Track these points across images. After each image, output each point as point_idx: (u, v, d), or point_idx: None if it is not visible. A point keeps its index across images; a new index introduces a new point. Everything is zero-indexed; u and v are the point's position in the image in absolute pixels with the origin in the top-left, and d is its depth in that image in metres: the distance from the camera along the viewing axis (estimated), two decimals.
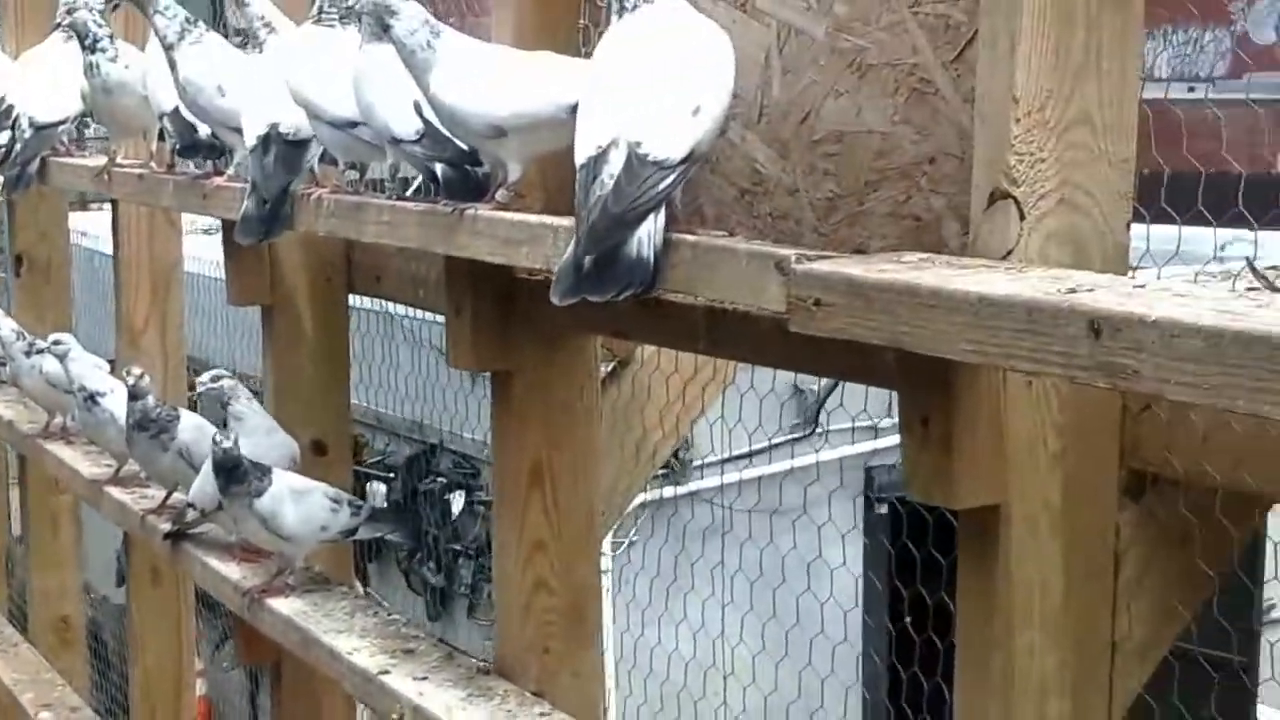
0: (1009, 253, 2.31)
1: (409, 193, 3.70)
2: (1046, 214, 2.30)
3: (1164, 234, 3.15)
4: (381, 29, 3.17)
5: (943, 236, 2.58)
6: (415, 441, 11.03)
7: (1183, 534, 2.44)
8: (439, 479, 10.79)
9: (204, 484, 4.39)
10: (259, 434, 4.32)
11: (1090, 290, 2.01)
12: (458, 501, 10.50)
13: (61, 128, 5.54)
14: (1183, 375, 1.82)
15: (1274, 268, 2.53)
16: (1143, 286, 2.03)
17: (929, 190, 2.61)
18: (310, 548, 4.29)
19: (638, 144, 2.51)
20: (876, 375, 2.61)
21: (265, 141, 3.87)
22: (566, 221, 2.94)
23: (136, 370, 4.55)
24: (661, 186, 2.50)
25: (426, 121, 3.27)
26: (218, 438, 4.09)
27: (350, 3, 3.23)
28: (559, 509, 3.61)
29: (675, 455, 9.82)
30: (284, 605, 4.11)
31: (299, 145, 3.86)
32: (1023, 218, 2.30)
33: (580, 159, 2.57)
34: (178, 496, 4.73)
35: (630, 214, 2.49)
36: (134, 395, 4.48)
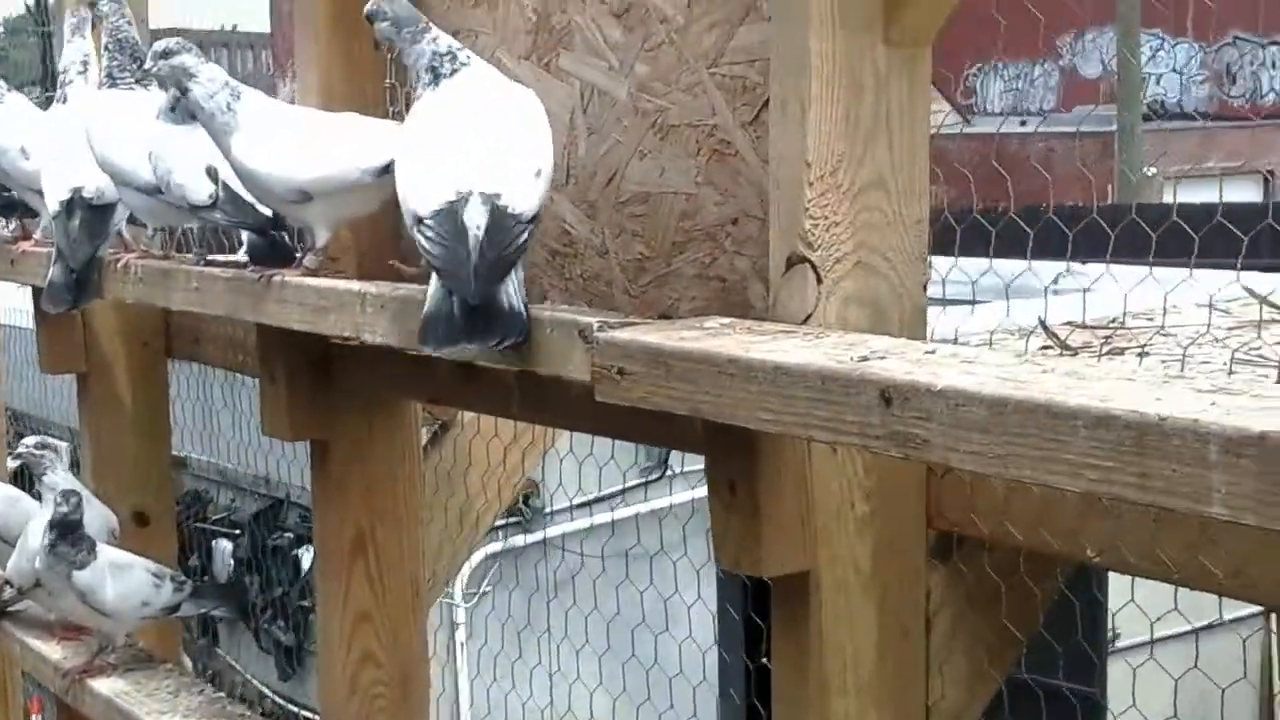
0: (808, 317, 2.30)
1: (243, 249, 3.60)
2: (843, 277, 2.29)
3: (1005, 268, 3.16)
4: (180, 92, 3.10)
5: (748, 298, 2.56)
6: (262, 496, 10.84)
7: (991, 594, 2.43)
8: (287, 534, 10.61)
9: (20, 560, 4.24)
10: None
11: (882, 358, 2.00)
12: (307, 557, 10.32)
13: None
14: (969, 444, 1.81)
15: (1069, 323, 2.55)
16: (933, 352, 2.02)
17: (733, 252, 2.59)
18: (131, 624, 4.16)
19: (497, 196, 2.44)
20: (686, 440, 2.58)
21: (69, 206, 3.76)
22: (374, 287, 2.88)
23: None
24: (521, 240, 2.44)
25: (227, 186, 3.19)
26: (58, 500, 3.97)
27: (147, 66, 3.14)
28: (383, 579, 3.53)
29: (525, 502, 9.75)
30: (105, 686, 3.99)
31: (104, 210, 3.75)
32: (820, 281, 2.28)
33: (432, 206, 2.44)
34: None
35: (503, 262, 2.42)
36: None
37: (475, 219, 2.42)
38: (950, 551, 2.45)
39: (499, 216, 2.43)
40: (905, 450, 1.90)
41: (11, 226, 4.32)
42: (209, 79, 3.04)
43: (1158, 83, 24.71)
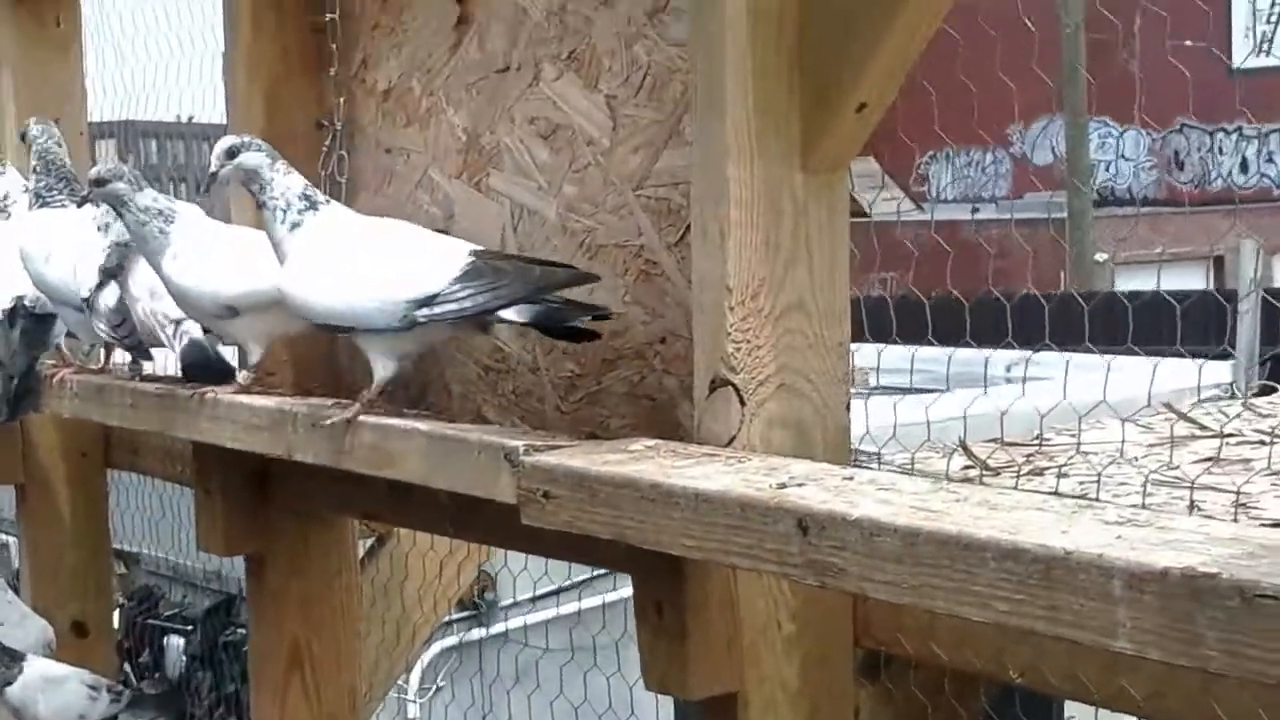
0: (732, 439, 2.31)
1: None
2: (767, 399, 2.31)
3: (962, 356, 3.18)
4: (116, 215, 3.14)
5: (677, 416, 2.57)
6: (214, 592, 10.72)
7: (919, 714, 2.43)
8: (240, 629, 10.48)
9: None
10: (9, 624, 4.14)
11: (800, 485, 2.01)
12: None
13: None
14: (884, 574, 1.82)
15: (993, 440, 2.57)
16: (850, 479, 2.03)
17: (662, 371, 2.60)
18: None
19: None
20: (614, 561, 2.58)
21: (11, 315, 3.76)
22: (305, 406, 2.88)
23: None
24: None
25: (125, 304, 3.24)
26: None
27: (85, 194, 3.17)
28: (320, 692, 3.50)
29: (480, 596, 9.66)
30: None
31: (44, 320, 3.75)
32: (744, 404, 2.30)
33: None
34: None
35: None
36: None
37: None
38: (878, 670, 2.45)
39: None
40: (822, 579, 1.90)
41: None
42: (141, 208, 3.07)
43: (1107, 169, 25.05)
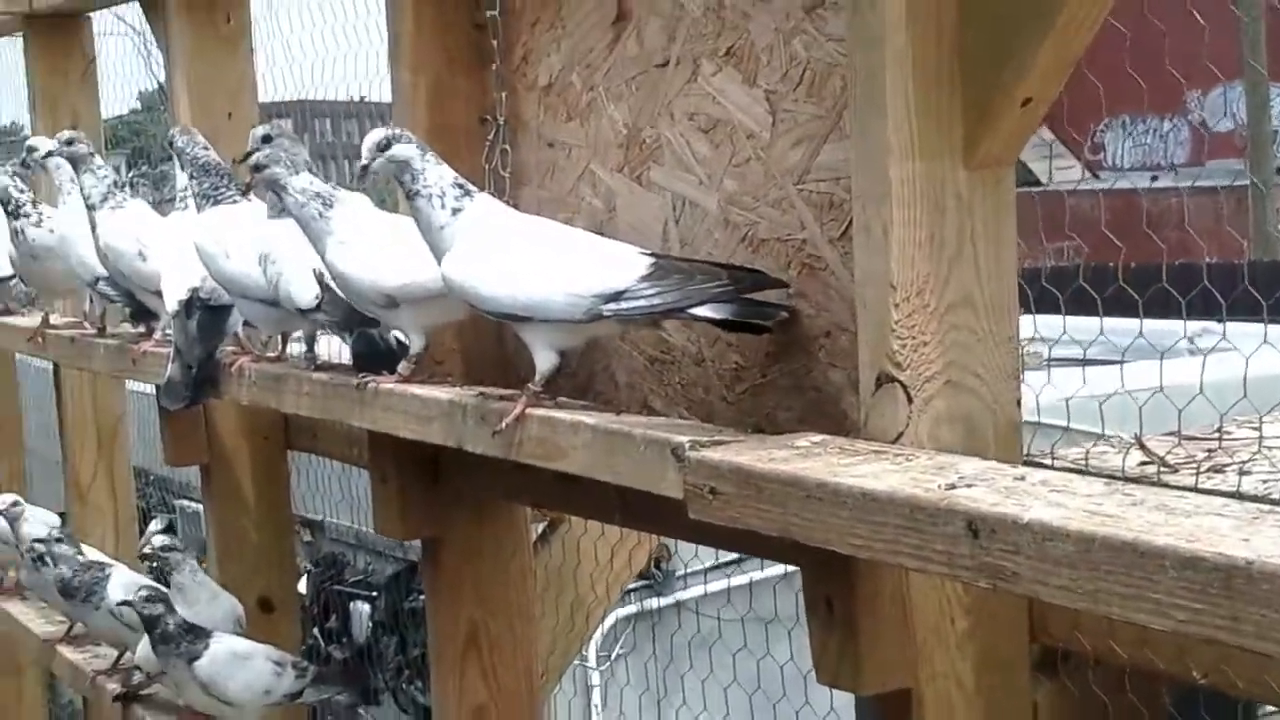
0: (899, 435, 2.30)
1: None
2: (934, 396, 2.29)
3: (1129, 327, 3.14)
4: (277, 200, 3.19)
5: (844, 409, 2.57)
6: (396, 559, 10.94)
7: (1099, 712, 2.40)
8: (422, 596, 10.68)
9: (147, 648, 4.36)
10: (200, 602, 4.29)
11: (970, 486, 1.99)
12: None
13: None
14: (1058, 579, 1.81)
15: (1171, 433, 2.52)
16: (1022, 479, 2.01)
17: (827, 364, 2.60)
18: (255, 713, 4.24)
19: None
20: (783, 554, 2.58)
21: (187, 307, 3.87)
22: (474, 397, 2.92)
23: (54, 535, 4.52)
24: None
25: (328, 288, 3.26)
26: (135, 599, 4.08)
27: (248, 180, 3.24)
28: (497, 673, 3.57)
29: (657, 565, 9.71)
30: None
31: (220, 310, 3.85)
32: (910, 401, 2.29)
33: None
34: (129, 656, 4.69)
35: None
36: (52, 560, 4.45)
37: None
38: (1055, 667, 2.43)
39: None
40: (994, 581, 1.89)
41: (139, 328, 4.45)
42: (299, 190, 3.12)
43: None
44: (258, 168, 3.15)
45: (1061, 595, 1.82)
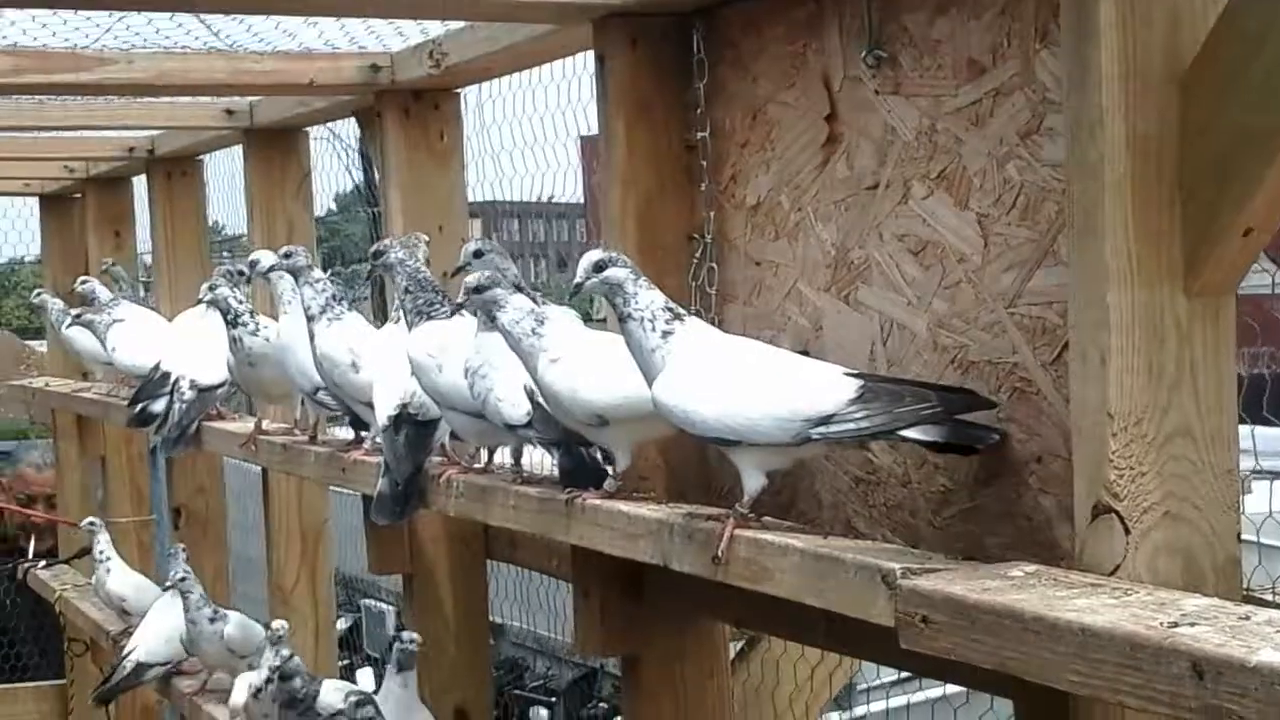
0: (1116, 567, 2.26)
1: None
2: (1152, 528, 2.25)
3: None
4: (490, 319, 3.24)
5: (1055, 538, 2.53)
6: (577, 665, 10.98)
7: None
8: (601, 704, 10.72)
9: None
10: (403, 710, 4.34)
11: (1193, 625, 1.95)
12: None
13: (219, 391, 5.73)
14: None
15: None
16: (1248, 619, 1.96)
17: (1038, 490, 2.57)
18: None
19: None
20: (996, 685, 2.55)
21: (397, 422, 3.96)
22: (681, 516, 2.94)
23: (285, 652, 4.61)
24: None
25: (536, 405, 3.32)
26: (346, 705, 4.16)
27: (460, 299, 3.31)
28: None
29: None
30: None
31: (427, 425, 3.93)
32: (1128, 532, 2.25)
33: None
34: None
35: None
36: (284, 676, 4.54)
37: None
38: None
39: None
40: None
41: (351, 437, 4.55)
42: (515, 307, 3.18)
43: None
44: (479, 289, 3.21)
45: None
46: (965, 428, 2.55)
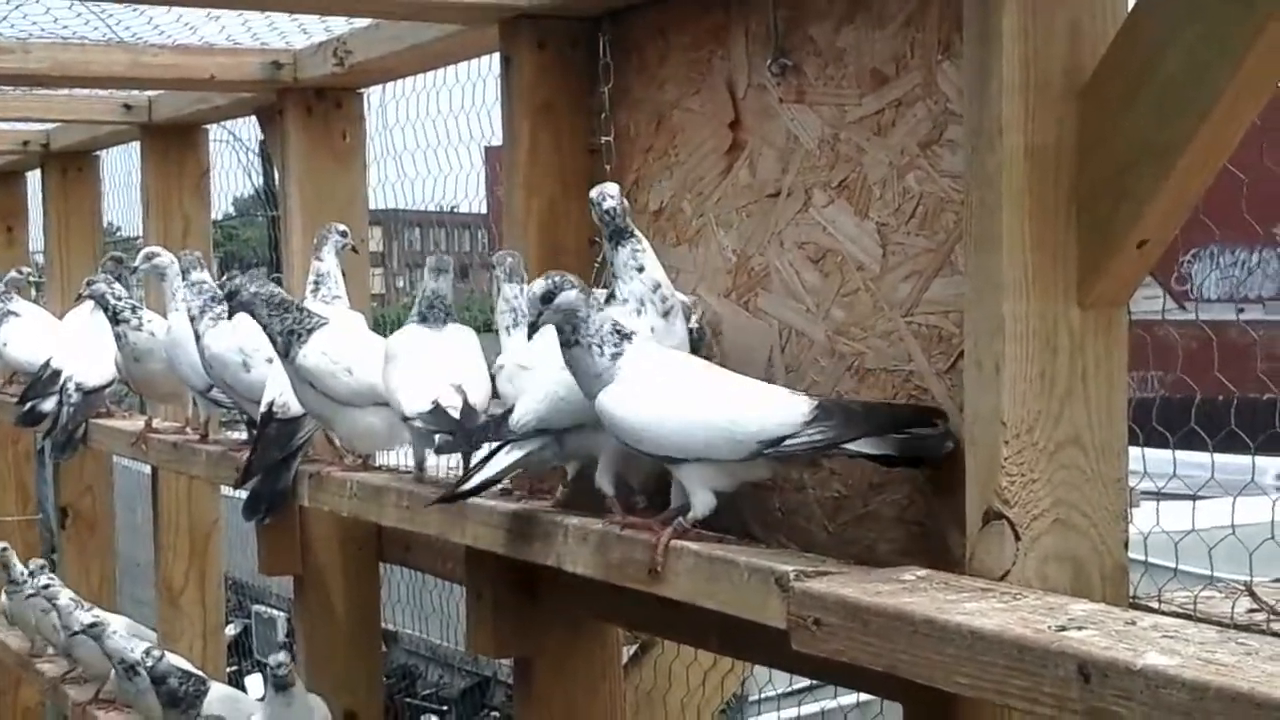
0: (1006, 573, 2.28)
1: None
2: (1042, 534, 2.28)
3: (1227, 462, 3.09)
4: (571, 334, 2.69)
5: (947, 544, 2.56)
6: (469, 673, 10.90)
7: None
8: (494, 712, 10.65)
9: None
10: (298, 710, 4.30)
11: (1080, 628, 1.98)
12: None
13: (106, 391, 5.64)
14: None
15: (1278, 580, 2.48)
16: (1134, 624, 1.99)
17: (931, 495, 2.59)
18: None
19: None
20: (884, 688, 2.57)
21: (264, 420, 3.94)
22: (576, 518, 2.94)
23: (156, 652, 4.56)
24: None
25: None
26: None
27: (532, 313, 2.70)
28: None
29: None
30: None
31: (289, 423, 3.90)
32: (1018, 538, 2.28)
33: None
34: None
35: None
36: (156, 679, 4.48)
37: None
38: None
39: None
40: None
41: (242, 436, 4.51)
42: (595, 329, 2.68)
43: None
44: (547, 297, 2.66)
45: None
46: (917, 440, 2.53)
